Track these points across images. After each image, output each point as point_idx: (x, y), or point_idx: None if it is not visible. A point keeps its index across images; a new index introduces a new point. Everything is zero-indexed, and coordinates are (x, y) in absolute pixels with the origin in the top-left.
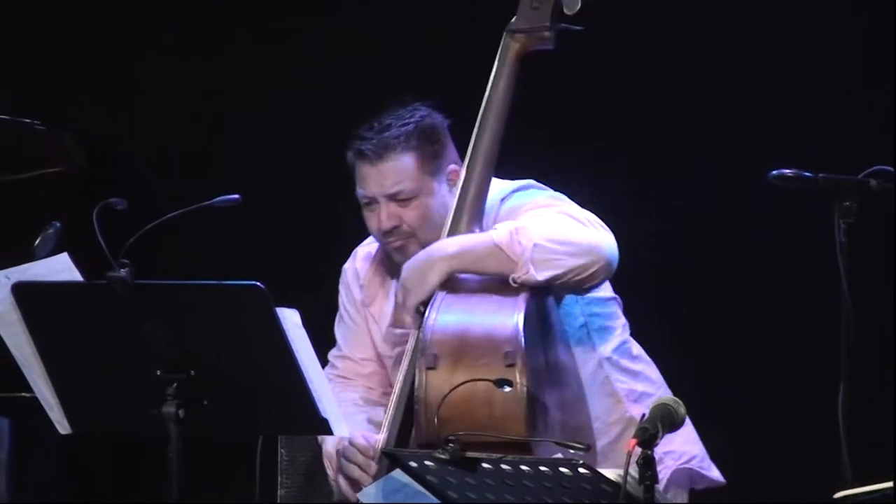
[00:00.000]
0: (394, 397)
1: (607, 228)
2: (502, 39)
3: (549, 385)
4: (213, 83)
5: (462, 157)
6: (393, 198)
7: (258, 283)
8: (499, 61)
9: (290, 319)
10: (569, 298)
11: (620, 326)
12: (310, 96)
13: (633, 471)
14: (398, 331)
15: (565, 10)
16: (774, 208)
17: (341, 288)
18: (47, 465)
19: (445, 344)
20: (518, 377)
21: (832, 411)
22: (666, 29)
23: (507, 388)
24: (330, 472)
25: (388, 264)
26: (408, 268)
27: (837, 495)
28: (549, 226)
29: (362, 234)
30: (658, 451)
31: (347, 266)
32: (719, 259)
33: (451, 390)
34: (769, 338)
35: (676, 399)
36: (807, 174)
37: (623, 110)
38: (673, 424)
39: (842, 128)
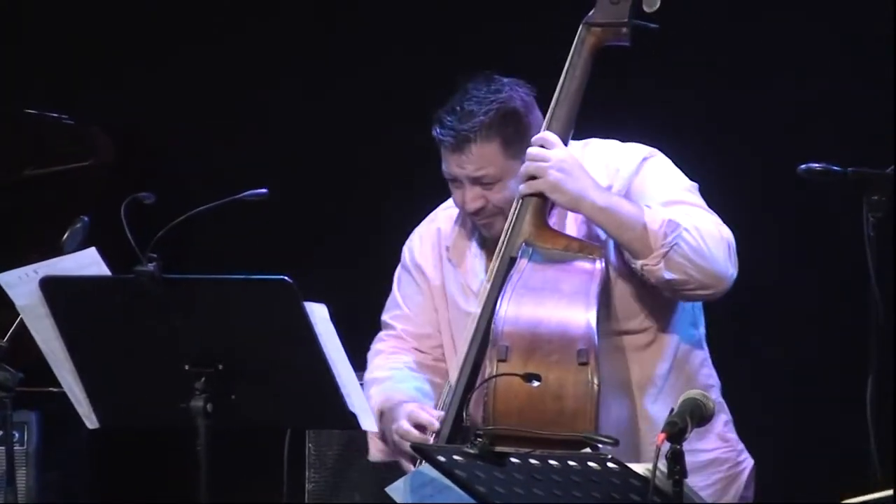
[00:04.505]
0: (453, 375)
1: (735, 255)
2: (578, 31)
3: (610, 383)
4: (243, 76)
5: None
6: (477, 181)
7: (286, 278)
8: (573, 53)
9: (319, 314)
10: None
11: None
12: (344, 90)
13: (662, 465)
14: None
15: (644, 8)
16: (803, 203)
17: (409, 250)
18: (74, 459)
19: (517, 336)
20: (590, 376)
21: (861, 406)
22: (692, 18)
23: (536, 383)
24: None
25: (472, 226)
26: (560, 171)
27: (844, 502)
28: (698, 234)
29: (393, 230)
30: (735, 448)
31: (423, 230)
32: (747, 255)
33: (482, 382)
34: (797, 333)
35: (704, 393)
36: (835, 168)
37: (650, 102)
38: (702, 419)
39: (871, 121)
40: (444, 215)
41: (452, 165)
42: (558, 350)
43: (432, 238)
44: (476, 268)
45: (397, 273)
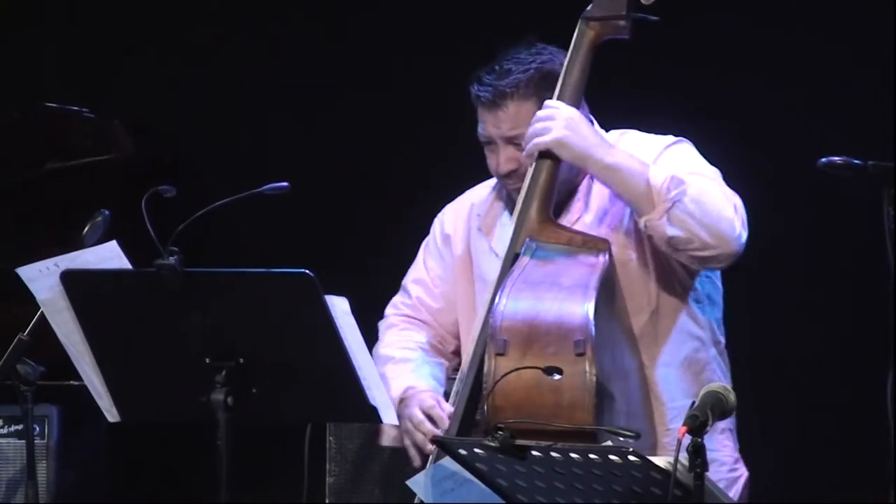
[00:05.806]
0: (464, 368)
1: (746, 225)
2: (577, 26)
3: (615, 374)
4: (265, 70)
5: None
6: (511, 141)
7: (307, 271)
8: (573, 48)
9: (340, 307)
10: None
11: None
12: (366, 83)
13: (683, 458)
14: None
15: (642, 0)
16: (823, 196)
17: (440, 222)
18: (94, 453)
19: (515, 331)
20: (587, 366)
21: (882, 401)
22: (713, 14)
23: (557, 377)
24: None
25: (505, 199)
26: (567, 129)
27: None
28: (703, 192)
29: (414, 223)
30: (731, 455)
31: (455, 205)
32: (767, 247)
33: (499, 378)
34: (817, 327)
35: (726, 386)
36: (856, 161)
37: (669, 96)
38: (723, 412)
39: (891, 114)
40: (477, 192)
41: (488, 125)
42: (555, 342)
43: (464, 212)
44: (504, 236)
45: (424, 242)
